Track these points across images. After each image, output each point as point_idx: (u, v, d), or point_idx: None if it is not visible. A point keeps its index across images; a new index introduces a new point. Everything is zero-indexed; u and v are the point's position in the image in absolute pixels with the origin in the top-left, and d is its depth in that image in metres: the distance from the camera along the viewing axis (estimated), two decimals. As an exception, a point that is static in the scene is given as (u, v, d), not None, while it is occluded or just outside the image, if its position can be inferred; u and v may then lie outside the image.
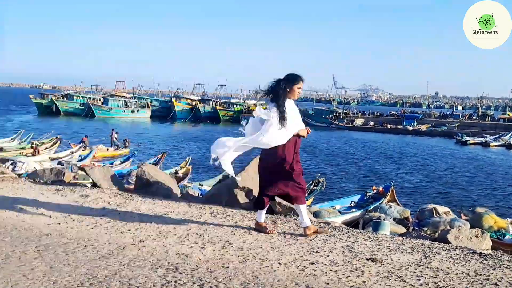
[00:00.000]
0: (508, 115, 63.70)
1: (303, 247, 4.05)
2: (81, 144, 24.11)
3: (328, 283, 3.23)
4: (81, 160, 20.21)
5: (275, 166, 4.34)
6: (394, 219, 11.32)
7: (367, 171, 22.89)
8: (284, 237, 4.36)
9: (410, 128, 51.26)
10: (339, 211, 12.64)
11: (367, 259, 3.77)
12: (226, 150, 4.33)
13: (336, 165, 24.70)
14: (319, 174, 16.38)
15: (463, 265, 3.69)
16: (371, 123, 55.92)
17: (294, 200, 4.42)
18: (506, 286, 3.29)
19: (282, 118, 4.20)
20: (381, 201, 12.70)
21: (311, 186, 15.87)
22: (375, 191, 13.88)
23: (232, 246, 4.00)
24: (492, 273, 3.54)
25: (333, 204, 13.43)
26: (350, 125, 54.74)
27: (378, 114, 63.77)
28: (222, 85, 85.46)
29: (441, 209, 11.63)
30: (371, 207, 12.34)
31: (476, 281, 3.36)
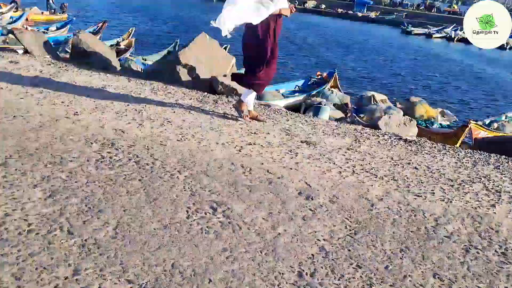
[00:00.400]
0: (454, 7, 64.15)
1: (241, 128, 4.12)
2: (12, 4, 22.02)
3: (262, 163, 3.36)
4: (12, 22, 18.61)
5: (254, 47, 4.13)
6: (334, 104, 11.66)
7: (314, 56, 22.89)
8: (224, 117, 4.40)
9: (360, 14, 50.91)
10: (283, 95, 12.79)
11: (301, 141, 3.92)
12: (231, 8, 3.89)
13: (283, 48, 24.42)
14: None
15: (388, 149, 3.94)
16: (323, 6, 54.76)
17: (253, 87, 4.27)
18: (424, 170, 3.57)
19: None
20: (324, 87, 12.92)
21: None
22: (319, 76, 14.00)
23: (171, 124, 3.99)
24: (414, 158, 3.82)
25: (278, 87, 13.48)
26: (301, 6, 53.32)
27: (332, -4, 62.27)
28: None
29: (379, 96, 12.07)
30: (314, 92, 12.55)
31: (398, 164, 3.62)
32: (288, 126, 4.33)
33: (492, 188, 3.37)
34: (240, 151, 3.56)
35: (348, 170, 3.39)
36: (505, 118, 12.13)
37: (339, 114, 11.00)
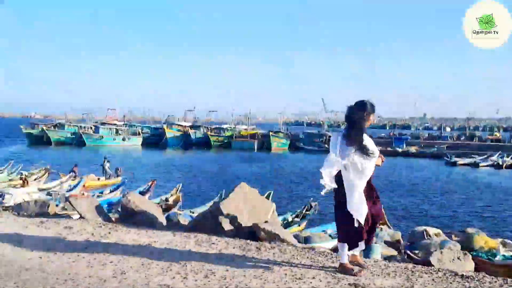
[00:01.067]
0: (495, 135, 64.29)
1: (286, 274, 4.03)
2: (71, 173, 23.88)
3: (309, 311, 3.21)
4: (70, 190, 20.01)
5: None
6: (385, 242, 11.27)
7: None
8: (268, 264, 4.34)
9: (400, 150, 51.47)
10: (330, 235, 12.55)
11: (349, 284, 3.76)
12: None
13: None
14: (311, 199, 16.33)
15: (444, 287, 3.69)
16: (365, 145, 56.11)
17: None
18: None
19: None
20: (371, 225, 12.66)
21: (304, 211, 15.80)
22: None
23: (214, 275, 3.97)
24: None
25: (325, 228, 13.33)
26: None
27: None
28: (212, 111, 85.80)
29: (432, 230, 11.59)
30: (363, 231, 12.28)
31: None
32: (334, 269, 4.19)
33: None
34: (285, 299, 3.43)
35: (402, 314, 3.16)
36: None
37: (392, 251, 10.54)
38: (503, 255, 10.77)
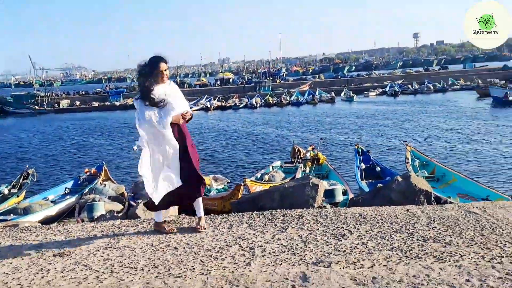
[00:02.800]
0: (202, 80, 69.82)
1: (-21, 261, 3.57)
2: None
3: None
4: None
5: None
6: (109, 197, 11.30)
7: (78, 155, 21.90)
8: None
9: (118, 104, 50.82)
10: (52, 201, 11.83)
11: (54, 255, 3.60)
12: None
13: (45, 153, 22.83)
14: (27, 166, 14.85)
15: (148, 236, 3.93)
16: (77, 103, 53.24)
17: None
18: (184, 248, 3.65)
19: None
20: (95, 182, 12.47)
21: (20, 180, 14.29)
22: (88, 173, 13.48)
23: None
24: (174, 238, 3.89)
25: (45, 195, 12.46)
26: (55, 108, 50.78)
27: (83, 93, 60.84)
28: None
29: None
30: (86, 190, 12.00)
31: (158, 249, 3.63)
32: (38, 243, 3.94)
33: (247, 247, 3.62)
34: (-25, 290, 3.04)
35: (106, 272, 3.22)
36: (272, 168, 13.42)
37: (117, 205, 10.67)
38: (216, 189, 12.21)
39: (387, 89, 49.25)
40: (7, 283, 3.13)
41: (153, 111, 3.76)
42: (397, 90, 47.49)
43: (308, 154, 13.64)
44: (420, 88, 48.43)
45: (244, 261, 3.33)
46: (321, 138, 16.90)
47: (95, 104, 51.41)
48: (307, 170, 12.90)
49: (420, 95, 45.85)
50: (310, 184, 5.28)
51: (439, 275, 2.91)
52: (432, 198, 5.19)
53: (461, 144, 18.85)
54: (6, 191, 12.79)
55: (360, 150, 13.29)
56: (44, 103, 51.44)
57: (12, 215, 10.34)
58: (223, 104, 44.52)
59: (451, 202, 5.66)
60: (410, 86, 49.86)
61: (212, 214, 4.65)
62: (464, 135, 21.04)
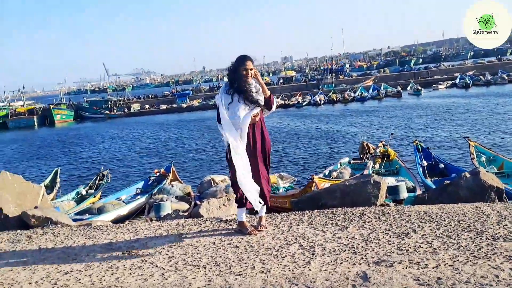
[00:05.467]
0: (266, 79, 69.89)
1: (59, 258, 3.84)
2: None
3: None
4: None
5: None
6: (176, 197, 11.68)
7: (149, 156, 22.80)
8: (40, 251, 4.07)
9: (184, 105, 52.30)
10: (124, 202, 12.43)
11: (123, 253, 3.79)
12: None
13: (118, 155, 24.04)
14: (102, 167, 15.73)
15: (211, 235, 4.03)
16: (147, 106, 55.46)
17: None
18: (245, 246, 3.71)
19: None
20: (164, 183, 12.95)
21: (96, 181, 15.15)
22: (157, 174, 14.03)
23: None
24: (235, 236, 3.96)
25: (118, 195, 13.12)
26: (126, 111, 53.22)
27: (153, 96, 63.51)
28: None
29: (218, 178, 12.47)
30: (155, 190, 12.48)
31: (220, 248, 3.71)
32: (108, 241, 4.17)
33: (307, 246, 3.62)
34: (56, 284, 3.28)
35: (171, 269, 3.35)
36: (340, 165, 13.20)
37: (184, 205, 11.00)
38: (284, 187, 12.21)
39: (457, 81, 47.04)
40: (80, 279, 3.34)
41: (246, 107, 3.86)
42: (468, 81, 45.14)
43: (378, 150, 13.29)
44: (493, 79, 45.61)
45: (304, 260, 3.33)
46: (392, 134, 16.49)
47: (163, 106, 53.35)
48: (377, 166, 12.58)
49: (494, 86, 43.23)
50: (372, 181, 5.16)
51: (509, 275, 2.75)
52: (504, 195, 4.89)
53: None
54: (84, 192, 13.64)
55: (419, 147, 12.77)
56: (114, 108, 54.04)
57: (87, 214, 10.98)
58: (286, 102, 44.58)
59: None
60: (482, 77, 47.06)
61: (272, 213, 4.68)
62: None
